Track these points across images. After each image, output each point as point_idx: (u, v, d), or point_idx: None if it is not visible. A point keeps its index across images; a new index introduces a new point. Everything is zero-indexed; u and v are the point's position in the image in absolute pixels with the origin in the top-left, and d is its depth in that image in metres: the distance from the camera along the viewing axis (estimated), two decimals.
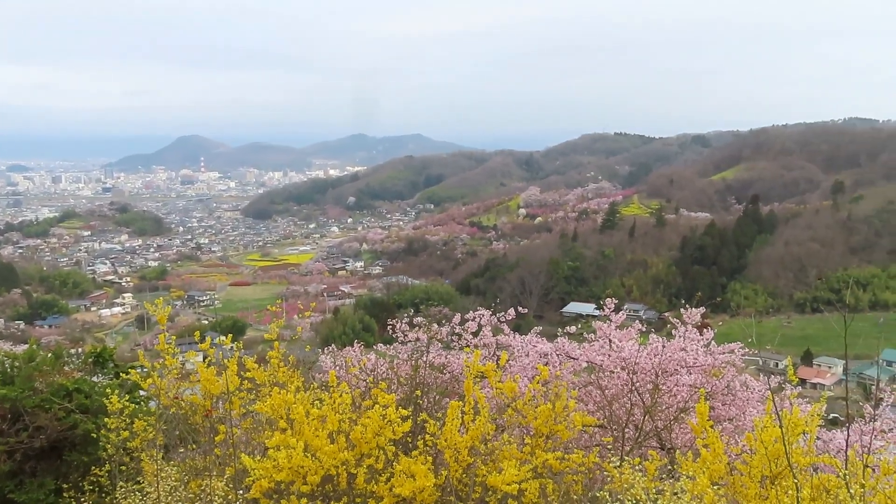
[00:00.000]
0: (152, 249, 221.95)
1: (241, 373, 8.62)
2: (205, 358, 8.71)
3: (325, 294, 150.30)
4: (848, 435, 7.31)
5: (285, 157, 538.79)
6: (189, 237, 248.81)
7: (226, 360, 8.55)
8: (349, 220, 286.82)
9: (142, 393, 11.28)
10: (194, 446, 8.37)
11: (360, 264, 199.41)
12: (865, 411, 11.79)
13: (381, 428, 6.89)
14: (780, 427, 5.76)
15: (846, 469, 5.42)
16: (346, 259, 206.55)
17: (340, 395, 7.32)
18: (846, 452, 5.69)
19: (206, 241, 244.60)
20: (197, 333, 8.96)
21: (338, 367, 11.61)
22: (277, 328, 9.40)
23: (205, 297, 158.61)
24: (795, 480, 5.07)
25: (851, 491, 5.08)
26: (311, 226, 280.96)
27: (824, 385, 74.36)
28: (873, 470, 6.47)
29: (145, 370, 9.32)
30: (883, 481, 6.44)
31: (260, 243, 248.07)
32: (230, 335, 9.67)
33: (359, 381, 10.04)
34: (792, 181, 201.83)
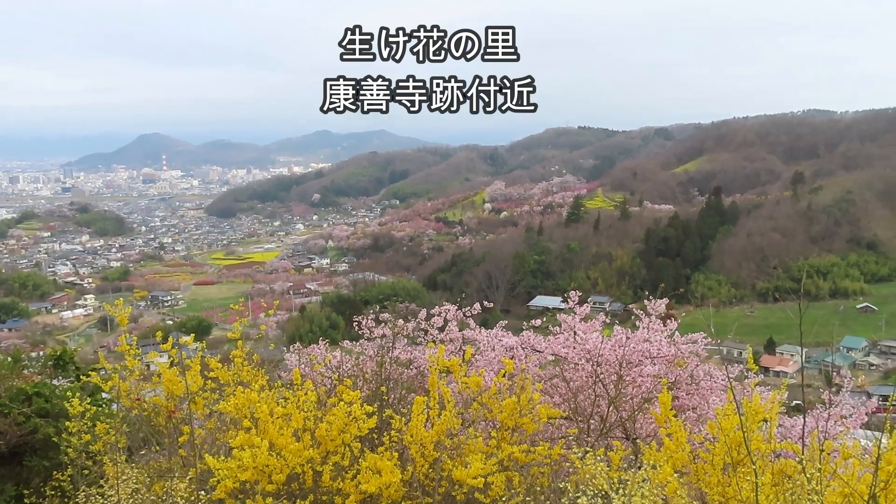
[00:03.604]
0: (114, 250, 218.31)
1: (205, 373, 8.53)
2: (170, 358, 8.61)
3: (290, 292, 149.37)
4: (804, 421, 7.48)
5: (249, 155, 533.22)
6: (152, 237, 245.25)
7: (189, 360, 8.45)
8: (314, 217, 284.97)
9: (105, 395, 11.11)
10: (157, 448, 8.26)
11: (325, 261, 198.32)
12: (825, 398, 12.06)
13: (347, 425, 6.88)
14: (740, 415, 5.86)
15: (803, 454, 5.54)
16: (311, 256, 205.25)
17: (305, 393, 7.28)
18: (803, 438, 5.81)
19: (170, 240, 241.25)
20: (159, 333, 8.84)
21: (303, 365, 11.54)
22: (241, 327, 9.31)
23: (169, 298, 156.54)
24: (754, 467, 5.16)
25: (808, 475, 5.19)
26: (276, 223, 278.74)
27: (787, 373, 75.93)
28: (829, 455, 6.62)
29: (107, 372, 9.16)
30: (842, 465, 6.59)
31: (224, 242, 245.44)
32: (193, 335, 9.55)
33: (324, 378, 10.00)
34: (753, 172, 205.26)
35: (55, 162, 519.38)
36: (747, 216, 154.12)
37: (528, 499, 6.42)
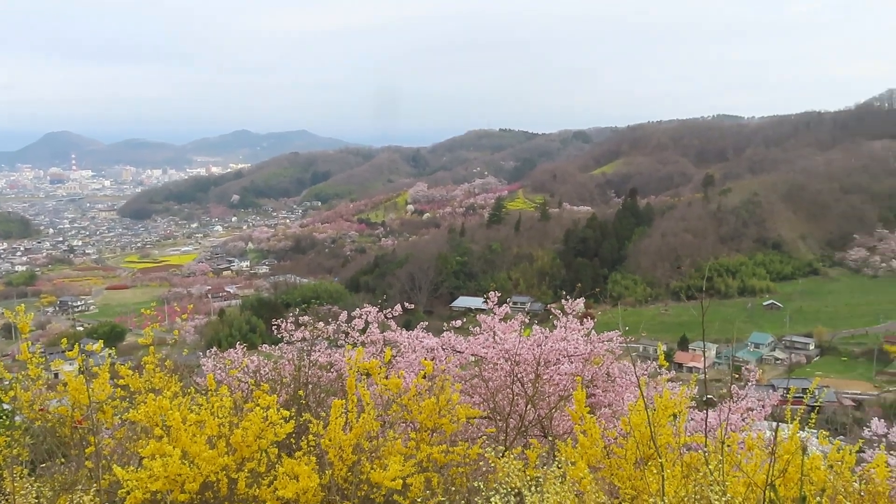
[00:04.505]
0: (19, 253, 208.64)
1: (115, 380, 8.23)
2: (78, 366, 8.26)
3: (209, 295, 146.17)
4: (707, 415, 7.77)
5: (164, 155, 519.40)
6: (60, 239, 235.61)
7: (97, 368, 8.14)
8: (234, 218, 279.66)
9: (6, 406, 10.58)
10: (63, 460, 7.92)
11: (245, 264, 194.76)
12: (732, 391, 12.56)
13: (263, 430, 6.75)
14: (647, 411, 6.04)
15: (706, 447, 5.75)
16: (231, 259, 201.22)
17: (220, 399, 7.11)
18: (706, 432, 6.03)
19: (80, 243, 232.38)
20: (64, 340, 8.48)
21: (218, 370, 11.28)
22: (154, 332, 9.02)
23: (79, 303, 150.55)
24: (661, 460, 5.33)
25: (710, 467, 5.39)
26: (194, 225, 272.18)
27: (699, 368, 78.50)
28: (736, 446, 6.89)
29: (7, 382, 8.74)
30: (747, 456, 6.87)
31: (139, 244, 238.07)
32: (101, 341, 9.20)
33: (241, 383, 9.79)
34: (666, 175, 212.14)
35: None
36: (661, 217, 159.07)
37: (443, 499, 6.44)
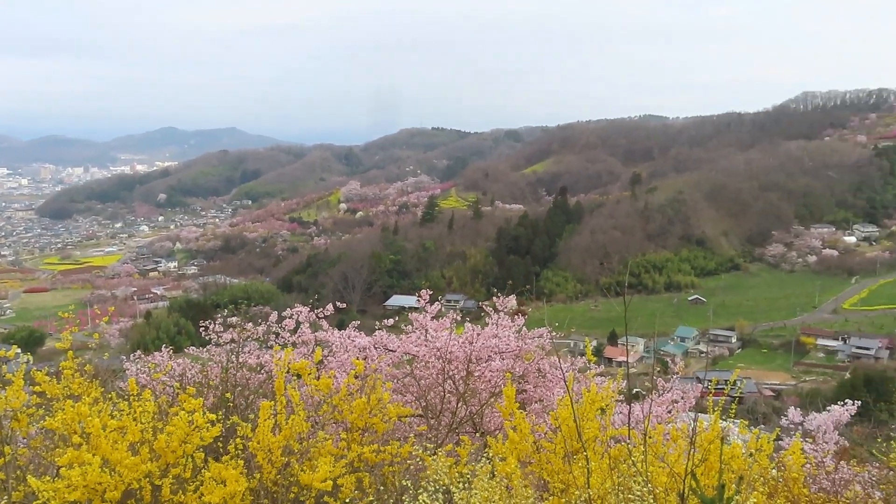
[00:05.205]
0: None
1: (31, 387, 7.89)
2: None
3: (135, 297, 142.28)
4: (630, 409, 7.97)
5: (86, 152, 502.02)
6: None
7: (10, 375, 7.78)
8: (160, 218, 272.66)
9: None
10: None
11: (173, 264, 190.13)
12: (657, 384, 12.90)
13: (188, 435, 6.58)
14: (573, 406, 6.14)
15: (630, 440, 5.89)
16: (157, 259, 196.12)
17: (143, 404, 6.90)
18: (629, 425, 6.17)
19: None
20: None
21: (142, 374, 10.97)
22: (72, 336, 8.69)
23: None
24: (586, 454, 5.43)
25: (633, 459, 5.51)
26: (118, 225, 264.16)
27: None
28: (661, 437, 7.07)
29: None
30: (672, 447, 7.05)
31: (59, 245, 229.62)
32: (15, 346, 8.81)
33: (166, 387, 9.54)
34: (595, 174, 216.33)
35: None
36: (591, 215, 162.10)
37: (373, 499, 6.41)
